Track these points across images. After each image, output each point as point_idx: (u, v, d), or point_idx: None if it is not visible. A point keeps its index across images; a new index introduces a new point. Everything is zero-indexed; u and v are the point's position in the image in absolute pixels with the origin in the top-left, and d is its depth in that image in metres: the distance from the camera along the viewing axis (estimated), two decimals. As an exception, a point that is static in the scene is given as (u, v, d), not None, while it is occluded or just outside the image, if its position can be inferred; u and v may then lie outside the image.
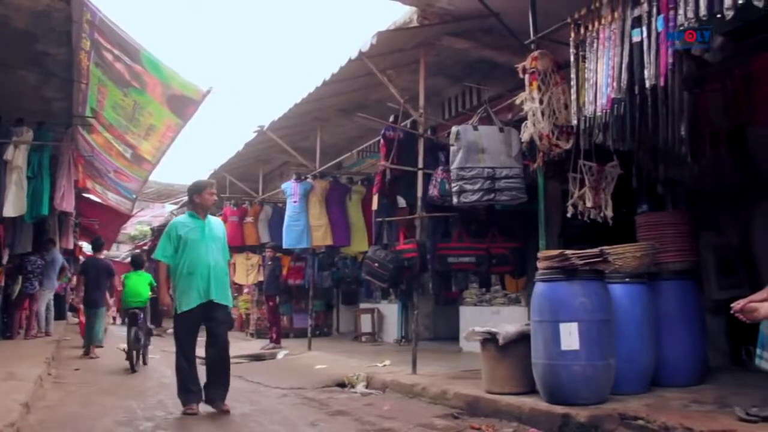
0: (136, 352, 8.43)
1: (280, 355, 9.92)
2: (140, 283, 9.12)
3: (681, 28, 4.01)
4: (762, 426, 3.76)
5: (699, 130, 5.38)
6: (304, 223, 9.84)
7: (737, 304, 3.87)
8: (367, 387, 6.60)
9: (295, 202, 9.89)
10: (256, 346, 11.16)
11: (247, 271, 13.47)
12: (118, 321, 18.04)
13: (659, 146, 4.58)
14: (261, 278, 12.61)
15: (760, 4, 3.50)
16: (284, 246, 10.19)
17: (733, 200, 6.14)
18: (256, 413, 5.40)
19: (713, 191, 6.03)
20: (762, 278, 5.83)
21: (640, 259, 5.13)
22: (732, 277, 6.08)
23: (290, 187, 10.03)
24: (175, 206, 19.26)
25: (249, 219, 12.73)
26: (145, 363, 8.94)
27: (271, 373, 7.94)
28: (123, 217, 17.51)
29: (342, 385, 6.82)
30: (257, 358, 9.80)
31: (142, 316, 8.78)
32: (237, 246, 12.16)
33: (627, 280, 5.11)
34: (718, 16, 3.76)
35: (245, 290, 14.91)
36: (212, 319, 5.46)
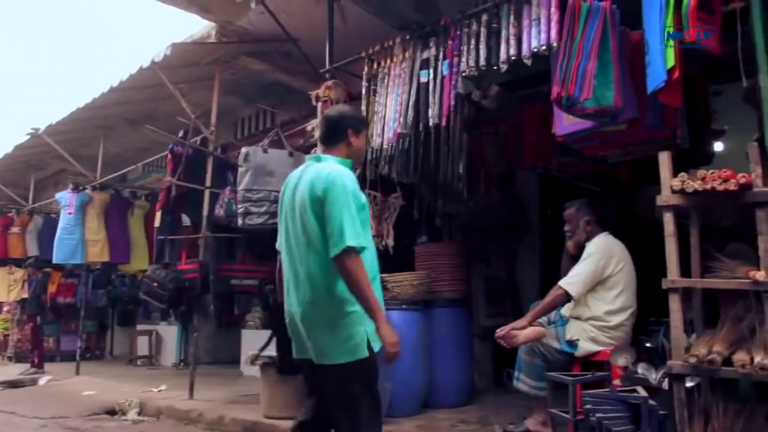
0: None
1: (42, 380, 9.05)
2: None
3: (464, 74, 4.33)
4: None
5: (475, 170, 5.81)
6: (79, 236, 9.17)
7: (500, 331, 4.21)
8: (139, 414, 6.24)
9: (70, 213, 9.18)
10: (15, 371, 10.13)
11: (9, 287, 12.19)
12: None
13: (439, 181, 4.86)
14: (25, 295, 11.52)
15: (529, 62, 3.90)
16: (55, 260, 9.40)
17: (502, 235, 6.67)
18: (7, 446, 4.88)
19: (485, 226, 6.50)
20: (523, 306, 6.40)
21: (416, 288, 5.40)
22: (498, 305, 6.61)
23: (65, 198, 9.29)
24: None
25: (15, 229, 11.56)
26: None
27: (30, 401, 7.21)
28: None
29: (112, 412, 6.37)
30: (14, 384, 8.82)
31: None
32: (-1, 258, 11.30)
33: (404, 307, 5.32)
34: (495, 68, 4.13)
35: (5, 308, 13.49)
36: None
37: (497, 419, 4.78)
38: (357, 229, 2.73)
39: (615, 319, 4.15)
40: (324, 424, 2.89)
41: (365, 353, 2.78)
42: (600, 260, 4.19)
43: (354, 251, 2.70)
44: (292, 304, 2.90)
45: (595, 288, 4.21)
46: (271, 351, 5.42)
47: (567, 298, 4.18)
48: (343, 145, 3.04)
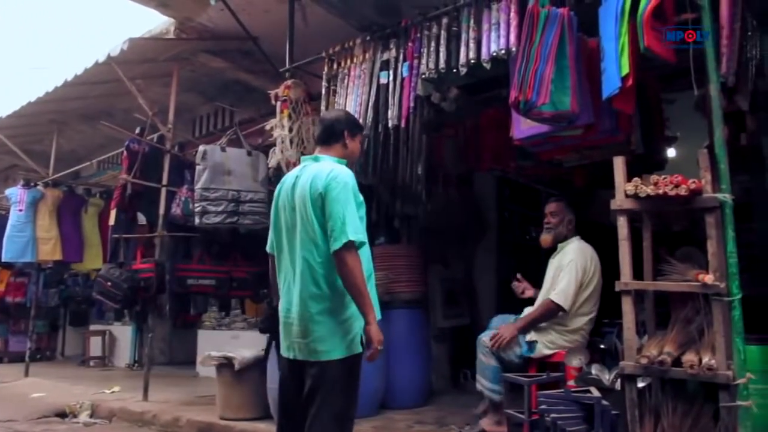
0: None
1: (-11, 382, 8.83)
2: None
3: (423, 76, 4.35)
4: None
5: (434, 172, 5.84)
6: (29, 234, 8.94)
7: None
8: (91, 416, 6.11)
9: (20, 210, 8.95)
10: (-40, 372, 9.79)
11: (-46, 286, 11.85)
12: None
13: (398, 183, 4.88)
14: (-30, 295, 11.21)
15: (488, 66, 3.94)
16: (3, 258, 9.13)
17: (459, 237, 6.72)
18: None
19: (443, 228, 6.54)
20: (480, 308, 6.46)
21: (375, 288, 5.40)
22: (455, 306, 6.64)
23: (16, 194, 9.04)
24: None
25: (-39, 226, 11.24)
26: None
27: (-25, 404, 7.02)
28: None
29: (63, 415, 6.21)
30: (-41, 386, 8.60)
31: None
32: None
33: (362, 308, 5.31)
34: (454, 70, 4.16)
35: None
36: None
37: (454, 420, 4.82)
38: (357, 224, 2.82)
39: (574, 324, 4.22)
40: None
41: (360, 349, 2.84)
42: (580, 268, 4.26)
43: (354, 246, 2.76)
44: (291, 301, 2.91)
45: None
46: (229, 352, 5.37)
47: (558, 310, 4.22)
48: (339, 146, 3.13)
